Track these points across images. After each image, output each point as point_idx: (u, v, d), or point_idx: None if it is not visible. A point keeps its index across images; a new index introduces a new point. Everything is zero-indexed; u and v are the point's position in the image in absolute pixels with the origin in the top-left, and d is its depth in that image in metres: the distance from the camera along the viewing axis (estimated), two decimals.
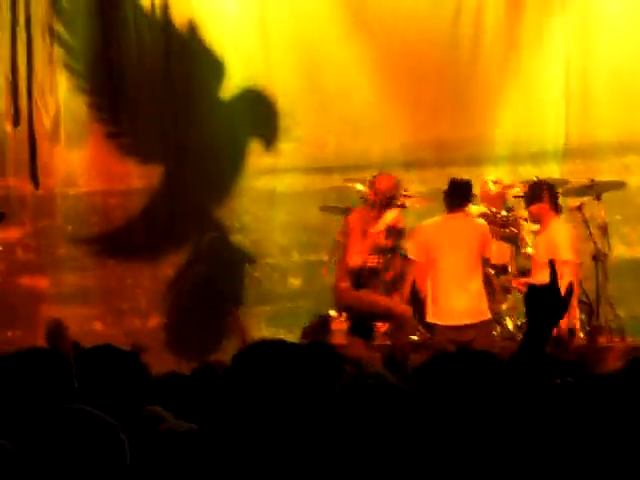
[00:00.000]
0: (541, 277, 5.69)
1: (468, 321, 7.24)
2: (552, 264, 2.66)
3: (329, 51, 9.46)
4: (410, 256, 7.60)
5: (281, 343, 2.93)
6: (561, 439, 2.30)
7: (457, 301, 7.25)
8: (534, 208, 7.45)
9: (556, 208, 7.53)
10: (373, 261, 7.48)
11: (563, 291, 2.59)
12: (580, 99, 9.29)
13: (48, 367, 2.76)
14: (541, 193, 7.45)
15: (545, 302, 2.58)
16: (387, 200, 7.36)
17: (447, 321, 7.30)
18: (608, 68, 9.23)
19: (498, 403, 2.31)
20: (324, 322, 8.13)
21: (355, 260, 7.30)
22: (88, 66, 9.38)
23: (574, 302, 7.40)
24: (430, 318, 7.43)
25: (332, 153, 9.53)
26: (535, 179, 8.12)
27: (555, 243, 7.38)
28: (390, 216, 7.45)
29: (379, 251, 7.48)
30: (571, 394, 2.41)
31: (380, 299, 7.50)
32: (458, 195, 7.44)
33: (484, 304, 7.44)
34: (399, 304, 7.52)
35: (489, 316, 7.46)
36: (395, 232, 7.55)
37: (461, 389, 2.30)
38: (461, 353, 2.69)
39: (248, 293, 9.28)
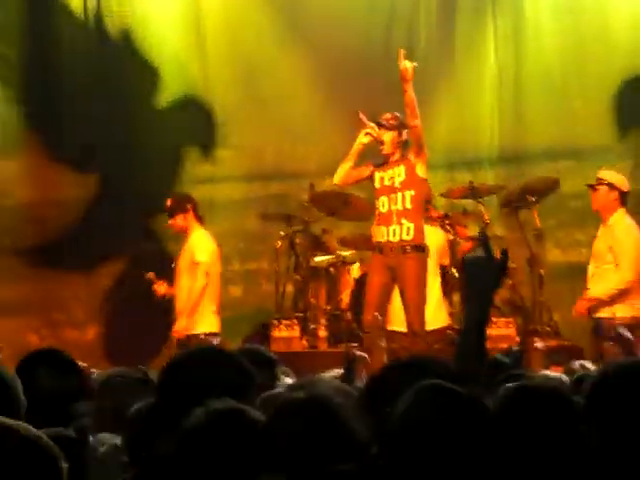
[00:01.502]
0: None
1: (429, 328, 7.25)
2: (483, 232, 2.76)
3: (266, 59, 9.48)
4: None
5: (213, 349, 2.94)
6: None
7: None
8: (179, 219, 7.66)
9: (200, 219, 7.71)
10: None
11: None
12: (513, 105, 9.43)
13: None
14: (185, 205, 7.65)
15: (481, 271, 2.65)
16: None
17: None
18: (540, 74, 9.39)
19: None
20: (265, 330, 8.15)
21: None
22: (22, 76, 9.28)
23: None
24: (390, 326, 7.45)
25: (271, 161, 9.55)
26: (469, 184, 8.26)
27: (192, 249, 7.63)
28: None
29: None
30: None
31: None
32: None
33: (444, 311, 7.56)
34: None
35: (449, 322, 7.58)
36: None
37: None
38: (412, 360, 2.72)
39: None
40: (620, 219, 7.23)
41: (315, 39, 9.46)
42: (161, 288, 7.77)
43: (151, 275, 7.87)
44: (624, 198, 7.28)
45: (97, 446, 2.97)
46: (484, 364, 2.76)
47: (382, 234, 7.04)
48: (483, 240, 2.73)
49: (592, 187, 7.35)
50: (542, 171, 9.12)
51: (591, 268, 7.31)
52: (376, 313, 6.85)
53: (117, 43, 9.45)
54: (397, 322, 7.34)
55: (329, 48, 9.38)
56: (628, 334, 6.38)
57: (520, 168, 9.35)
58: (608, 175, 7.39)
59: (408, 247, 7.00)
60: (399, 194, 7.05)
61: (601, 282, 7.18)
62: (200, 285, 7.58)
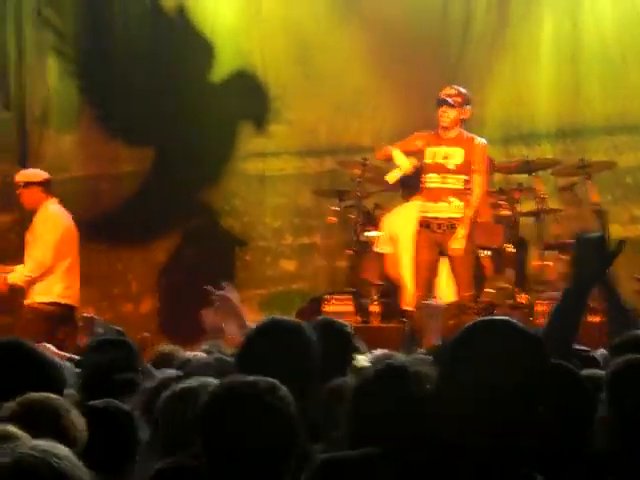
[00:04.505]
0: None
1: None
2: (601, 214, 2.75)
3: (321, 34, 9.44)
4: (378, 249, 7.68)
5: (292, 322, 2.93)
6: None
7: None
8: (28, 193, 7.13)
9: (49, 194, 7.23)
10: None
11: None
12: (569, 79, 9.29)
13: None
14: (34, 180, 7.17)
15: (593, 252, 2.62)
16: None
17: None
18: (597, 48, 9.23)
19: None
20: (317, 304, 8.15)
21: None
22: (78, 50, 9.35)
23: None
24: (405, 305, 7.45)
25: (324, 137, 9.52)
26: (524, 158, 8.18)
27: (38, 224, 7.21)
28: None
29: None
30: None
31: None
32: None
33: (451, 288, 7.52)
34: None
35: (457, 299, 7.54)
36: None
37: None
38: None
39: (240, 277, 9.28)
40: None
41: (369, 13, 9.39)
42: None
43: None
44: None
45: None
46: (574, 337, 2.73)
47: (429, 209, 7.01)
48: (600, 221, 2.73)
49: None
50: (598, 146, 9.00)
51: None
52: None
53: (172, 16, 9.47)
54: (444, 296, 7.31)
55: (383, 22, 9.31)
56: None
57: (576, 143, 9.23)
58: None
59: (456, 223, 6.98)
60: (452, 176, 7.01)
61: None
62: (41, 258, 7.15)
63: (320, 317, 4.03)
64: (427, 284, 7.03)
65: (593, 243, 2.68)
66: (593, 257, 2.66)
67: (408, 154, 7.20)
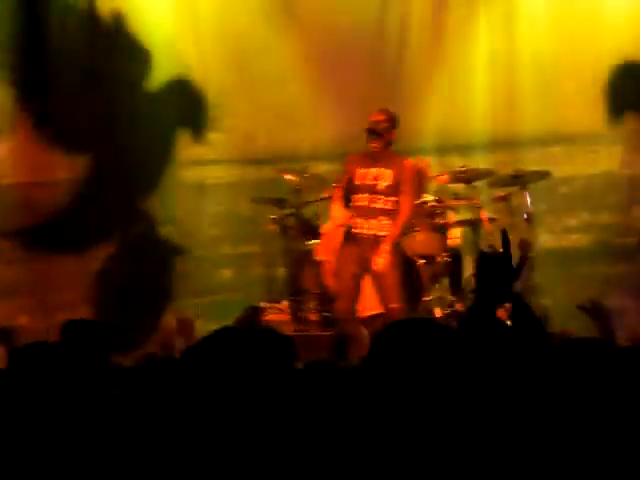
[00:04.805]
0: None
1: (374, 312, 7.33)
2: (504, 233, 2.77)
3: (260, 43, 9.45)
4: (317, 258, 7.73)
5: (234, 329, 2.94)
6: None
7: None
8: None
9: None
10: None
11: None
12: (505, 90, 9.41)
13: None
14: None
15: (496, 268, 2.67)
16: None
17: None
18: (532, 59, 9.37)
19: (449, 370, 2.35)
20: (255, 314, 8.16)
21: None
22: (14, 58, 9.24)
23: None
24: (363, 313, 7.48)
25: (263, 145, 9.53)
26: (461, 168, 8.29)
27: None
28: None
29: None
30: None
31: None
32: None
33: (375, 298, 7.53)
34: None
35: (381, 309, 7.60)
36: None
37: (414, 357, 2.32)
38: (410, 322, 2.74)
39: (178, 286, 9.24)
40: None
41: (308, 23, 9.43)
42: None
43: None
44: None
45: None
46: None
47: (358, 225, 7.09)
48: (503, 237, 2.76)
49: None
50: (534, 156, 9.14)
51: None
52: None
53: (109, 23, 9.41)
54: (369, 307, 7.37)
55: (322, 31, 9.36)
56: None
57: (512, 153, 9.35)
58: None
59: (381, 239, 7.06)
60: (381, 197, 7.09)
61: None
62: None
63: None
64: (351, 296, 7.11)
65: (495, 261, 2.72)
66: (495, 274, 2.70)
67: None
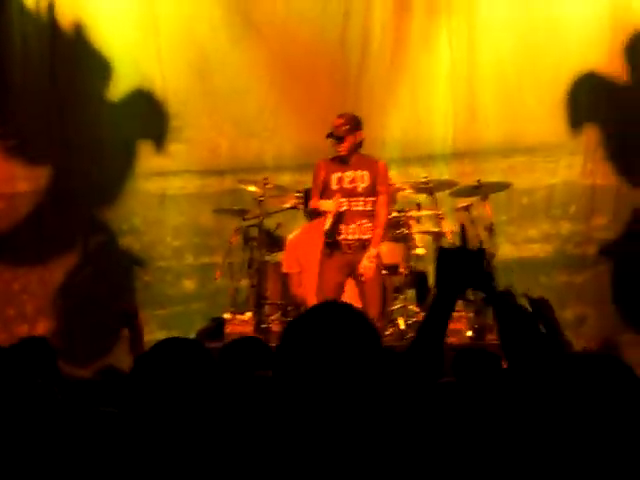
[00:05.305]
0: None
1: None
2: (462, 228, 2.79)
3: (220, 53, 9.44)
4: (284, 270, 7.72)
5: (185, 340, 2.94)
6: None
7: None
8: None
9: None
10: None
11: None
12: (466, 101, 9.47)
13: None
14: None
15: (455, 264, 2.70)
16: None
17: None
18: (493, 71, 9.43)
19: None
20: (218, 325, 8.12)
21: None
22: None
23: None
24: None
25: (225, 155, 9.51)
26: (423, 179, 8.34)
27: None
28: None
29: None
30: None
31: None
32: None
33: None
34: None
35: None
36: None
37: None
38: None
39: (139, 296, 9.18)
40: None
41: (270, 33, 9.43)
42: None
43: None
44: None
45: None
46: (440, 355, 2.79)
47: (341, 232, 7.07)
48: (462, 233, 2.79)
49: None
50: (495, 167, 9.19)
51: None
52: None
53: (69, 34, 9.35)
54: None
55: (284, 42, 9.37)
56: None
57: (473, 164, 9.40)
58: None
59: (367, 243, 7.06)
60: (360, 199, 7.10)
61: None
62: None
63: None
64: None
65: (453, 255, 2.76)
66: (454, 269, 2.75)
67: (322, 191, 7.23)
